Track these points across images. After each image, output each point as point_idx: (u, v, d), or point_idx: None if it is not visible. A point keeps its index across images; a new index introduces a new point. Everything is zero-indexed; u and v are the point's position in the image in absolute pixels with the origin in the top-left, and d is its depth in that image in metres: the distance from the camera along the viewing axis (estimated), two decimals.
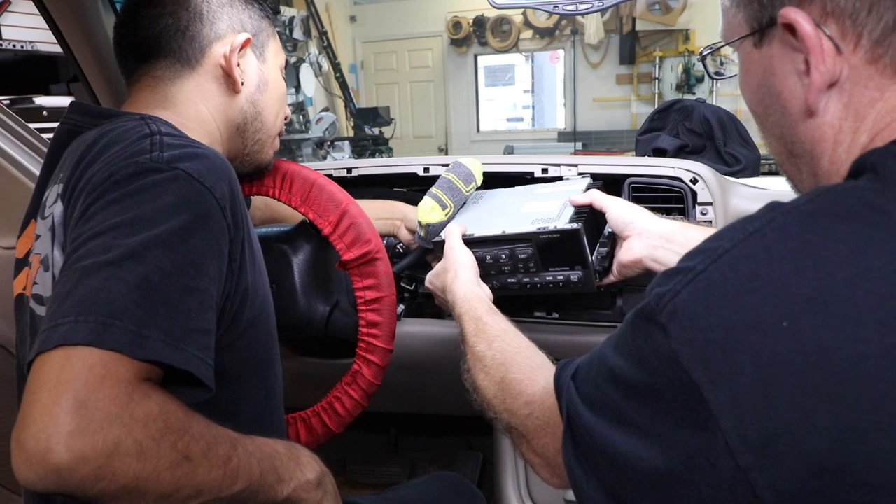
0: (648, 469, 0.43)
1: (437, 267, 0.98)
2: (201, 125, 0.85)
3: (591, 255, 0.93)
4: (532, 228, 0.93)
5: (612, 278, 0.95)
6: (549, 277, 0.96)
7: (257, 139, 0.92)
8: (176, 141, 0.71)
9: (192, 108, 0.84)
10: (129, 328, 0.56)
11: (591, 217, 0.95)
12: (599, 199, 0.93)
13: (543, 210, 0.98)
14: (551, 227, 0.91)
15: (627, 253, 0.89)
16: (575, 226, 0.90)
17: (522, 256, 0.94)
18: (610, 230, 0.95)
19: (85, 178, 0.69)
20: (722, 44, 0.59)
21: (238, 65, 0.85)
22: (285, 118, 0.97)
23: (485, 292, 0.91)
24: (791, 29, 0.48)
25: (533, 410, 0.62)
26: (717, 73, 0.73)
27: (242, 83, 0.86)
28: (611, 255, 0.95)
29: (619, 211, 0.90)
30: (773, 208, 0.43)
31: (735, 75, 0.61)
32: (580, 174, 1.07)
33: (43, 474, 0.51)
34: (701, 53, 0.67)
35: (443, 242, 0.98)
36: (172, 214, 0.64)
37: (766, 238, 0.42)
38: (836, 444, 0.36)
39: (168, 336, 0.59)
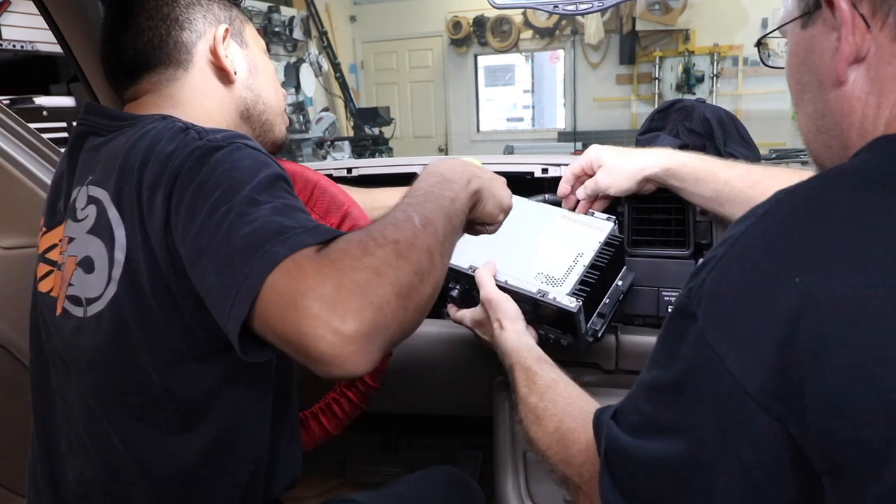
0: (685, 462, 0.46)
1: (478, 313, 0.98)
2: (210, 120, 0.87)
3: (588, 321, 0.95)
4: (532, 290, 0.94)
5: None
6: (541, 331, 0.97)
7: (264, 120, 0.95)
8: (214, 128, 0.74)
9: (198, 105, 0.87)
10: (298, 232, 0.58)
11: (607, 266, 0.96)
12: None
13: (553, 260, 0.98)
14: (550, 297, 0.92)
15: None
16: (571, 306, 0.90)
17: (520, 305, 0.95)
18: (625, 283, 0.98)
19: (146, 180, 0.71)
20: (775, 28, 0.64)
21: (226, 56, 0.88)
22: (285, 96, 1.00)
23: (532, 334, 0.94)
24: (831, 6, 0.53)
25: (588, 457, 0.62)
26: (769, 63, 0.77)
27: (235, 72, 0.89)
28: (608, 322, 0.98)
29: None
30: (778, 192, 0.48)
31: (782, 67, 0.66)
32: (606, 217, 1.06)
33: (368, 351, 0.53)
34: (758, 41, 0.73)
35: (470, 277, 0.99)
36: (258, 171, 0.66)
37: (775, 215, 0.46)
38: (849, 382, 0.39)
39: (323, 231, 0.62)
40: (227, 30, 0.88)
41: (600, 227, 1.02)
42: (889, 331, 0.39)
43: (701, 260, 0.50)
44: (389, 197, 1.17)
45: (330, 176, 1.22)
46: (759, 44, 0.72)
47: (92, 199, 0.78)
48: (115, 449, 0.77)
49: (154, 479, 0.76)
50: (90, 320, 0.76)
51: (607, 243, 0.99)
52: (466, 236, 1.05)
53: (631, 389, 0.55)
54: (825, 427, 0.40)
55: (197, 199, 0.65)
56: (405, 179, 1.34)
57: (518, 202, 1.09)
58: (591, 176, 1.09)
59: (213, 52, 0.86)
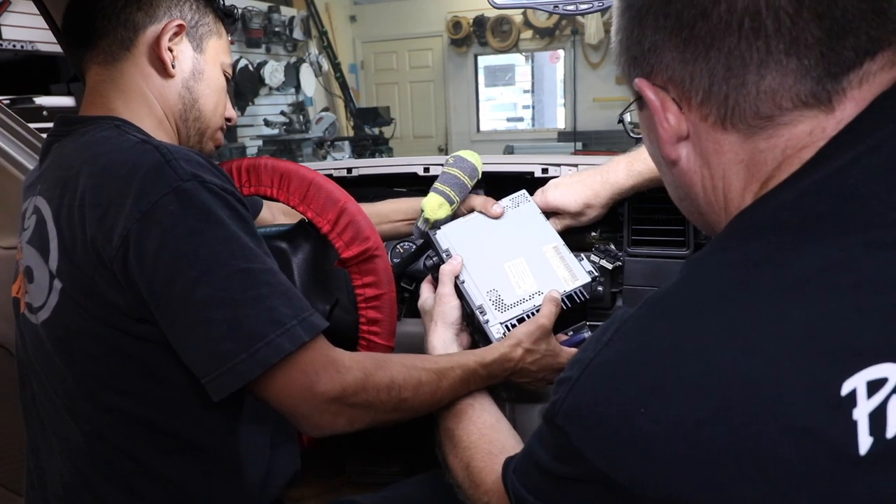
0: None
1: (428, 302, 1.00)
2: (151, 112, 0.87)
3: None
4: (476, 303, 0.96)
5: None
6: (475, 337, 0.99)
7: (197, 128, 0.93)
8: (174, 148, 0.74)
9: (138, 92, 0.86)
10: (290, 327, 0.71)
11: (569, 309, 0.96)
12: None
13: (514, 286, 0.97)
14: (485, 318, 0.94)
15: None
16: (495, 338, 0.92)
17: (464, 308, 0.98)
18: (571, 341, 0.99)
19: (92, 196, 0.71)
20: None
21: (171, 49, 0.87)
22: (229, 120, 0.98)
23: (463, 341, 0.96)
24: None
25: (490, 500, 0.71)
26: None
27: (173, 66, 0.87)
28: None
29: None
30: (620, 318, 0.52)
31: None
32: (588, 271, 0.99)
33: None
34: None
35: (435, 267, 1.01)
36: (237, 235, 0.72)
37: (615, 345, 0.50)
38: (705, 498, 0.43)
39: (304, 310, 0.72)
40: (180, 25, 0.87)
41: (576, 278, 0.98)
42: (722, 449, 0.42)
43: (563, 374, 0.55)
44: (391, 207, 1.17)
45: (330, 176, 1.22)
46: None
47: (35, 210, 0.79)
48: (83, 452, 0.77)
49: (125, 483, 0.76)
50: (40, 328, 0.77)
51: (569, 296, 0.96)
52: (462, 222, 1.06)
53: (526, 448, 0.60)
54: None
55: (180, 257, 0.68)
56: (405, 179, 1.34)
57: (531, 213, 1.07)
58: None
59: (157, 40, 0.85)
